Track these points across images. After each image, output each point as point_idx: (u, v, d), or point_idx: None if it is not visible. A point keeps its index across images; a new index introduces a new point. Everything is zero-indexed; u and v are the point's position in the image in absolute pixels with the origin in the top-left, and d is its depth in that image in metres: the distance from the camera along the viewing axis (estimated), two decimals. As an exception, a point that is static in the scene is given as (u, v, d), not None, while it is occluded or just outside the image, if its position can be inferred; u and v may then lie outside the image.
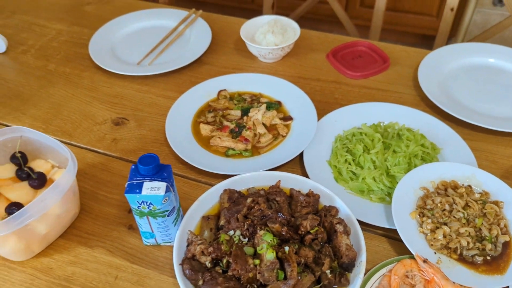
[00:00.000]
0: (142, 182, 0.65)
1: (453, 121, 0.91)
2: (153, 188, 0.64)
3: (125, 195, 0.64)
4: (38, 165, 0.77)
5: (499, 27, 1.38)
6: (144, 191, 0.63)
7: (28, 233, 0.68)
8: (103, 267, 0.71)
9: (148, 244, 0.73)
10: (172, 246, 0.70)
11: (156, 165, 0.65)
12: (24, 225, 0.64)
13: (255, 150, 0.87)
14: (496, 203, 0.73)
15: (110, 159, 0.87)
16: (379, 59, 1.08)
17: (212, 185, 0.76)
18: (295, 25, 1.08)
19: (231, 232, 0.68)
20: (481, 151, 0.86)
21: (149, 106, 0.98)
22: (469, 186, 0.75)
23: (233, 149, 0.86)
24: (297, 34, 1.06)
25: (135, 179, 0.65)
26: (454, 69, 1.04)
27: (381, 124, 0.89)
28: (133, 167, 0.67)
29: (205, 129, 0.90)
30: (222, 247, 0.66)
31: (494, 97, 0.97)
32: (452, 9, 1.37)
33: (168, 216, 0.68)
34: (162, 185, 0.64)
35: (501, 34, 1.41)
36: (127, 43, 1.15)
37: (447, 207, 0.71)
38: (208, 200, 0.75)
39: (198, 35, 1.15)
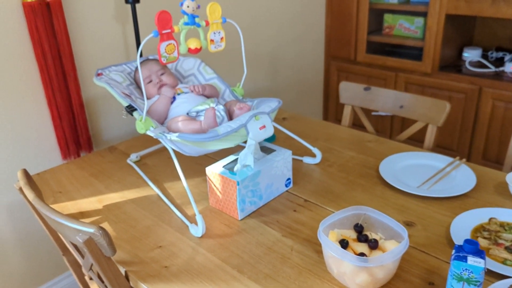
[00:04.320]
0: (467, 256, 0.95)
1: None
2: (476, 261, 0.94)
3: (454, 261, 0.94)
4: (369, 235, 1.14)
5: None
6: (469, 261, 0.93)
7: (371, 273, 1.03)
8: (415, 314, 1.00)
9: (449, 308, 1.00)
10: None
11: (477, 247, 0.95)
12: (370, 267, 1.00)
13: (530, 266, 1.10)
14: None
15: (410, 249, 1.20)
16: None
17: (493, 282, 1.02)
18: (555, 181, 1.35)
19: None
20: None
21: (429, 218, 1.31)
22: None
23: (510, 260, 1.11)
24: (558, 188, 1.31)
25: (460, 253, 0.96)
26: None
27: None
28: (456, 246, 0.98)
29: (483, 242, 1.18)
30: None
31: None
32: None
33: (477, 287, 0.95)
34: (482, 261, 0.93)
35: None
36: (405, 172, 1.55)
37: None
38: (498, 288, 1.00)
39: (462, 176, 1.49)
